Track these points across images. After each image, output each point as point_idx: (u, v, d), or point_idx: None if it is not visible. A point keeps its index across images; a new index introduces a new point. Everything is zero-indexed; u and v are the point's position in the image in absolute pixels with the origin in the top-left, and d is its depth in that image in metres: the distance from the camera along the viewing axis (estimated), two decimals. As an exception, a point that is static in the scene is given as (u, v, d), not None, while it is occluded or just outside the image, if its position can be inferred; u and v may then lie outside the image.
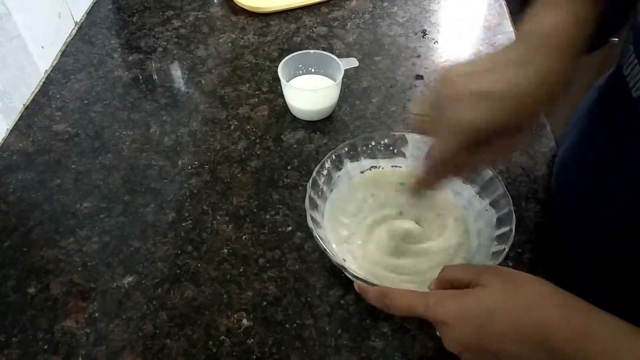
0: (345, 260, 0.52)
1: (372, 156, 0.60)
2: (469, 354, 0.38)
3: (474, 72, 0.39)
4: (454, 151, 0.41)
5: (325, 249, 0.49)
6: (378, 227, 0.56)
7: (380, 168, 0.61)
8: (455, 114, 0.39)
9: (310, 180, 0.55)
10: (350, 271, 0.47)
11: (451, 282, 0.41)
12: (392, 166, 0.61)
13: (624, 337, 0.34)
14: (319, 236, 0.50)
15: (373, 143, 0.60)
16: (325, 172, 0.57)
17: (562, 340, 0.34)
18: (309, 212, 0.52)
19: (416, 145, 0.59)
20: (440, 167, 0.43)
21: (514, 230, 0.49)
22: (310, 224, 0.51)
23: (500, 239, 0.50)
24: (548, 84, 0.39)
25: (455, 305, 0.38)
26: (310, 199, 0.53)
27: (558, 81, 0.39)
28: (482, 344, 0.37)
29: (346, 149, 0.59)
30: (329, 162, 0.57)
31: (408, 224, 0.56)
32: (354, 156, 0.59)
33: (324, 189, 0.57)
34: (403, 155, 0.60)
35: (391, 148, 0.60)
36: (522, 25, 0.40)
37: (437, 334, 0.40)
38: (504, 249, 0.48)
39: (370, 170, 0.60)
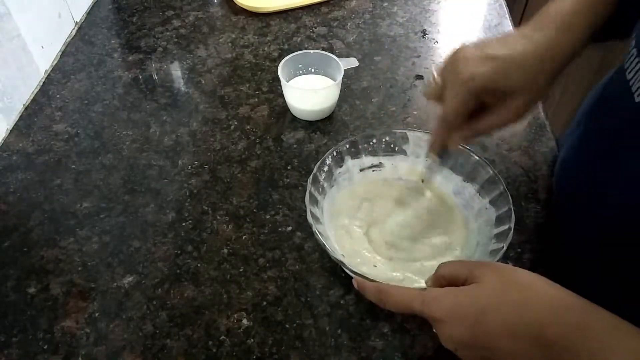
0: (344, 256, 0.52)
1: (374, 153, 0.60)
2: (465, 350, 0.38)
3: (484, 42, 0.45)
4: (460, 106, 0.44)
5: (324, 245, 0.49)
6: (375, 224, 0.56)
7: (382, 166, 0.61)
8: (462, 70, 0.43)
9: (311, 176, 0.55)
10: (349, 267, 0.48)
11: (447, 278, 0.42)
12: (393, 164, 0.61)
13: (619, 333, 0.34)
14: (319, 232, 0.50)
15: (374, 140, 0.60)
16: (326, 168, 0.57)
17: (556, 337, 0.34)
18: (309, 207, 0.52)
19: (417, 143, 0.59)
20: (449, 123, 0.46)
21: (512, 229, 0.49)
22: (310, 219, 0.51)
23: (499, 237, 0.51)
24: (551, 53, 0.42)
25: (450, 302, 0.38)
26: (311, 194, 0.53)
27: (561, 53, 0.42)
28: (476, 341, 0.37)
29: (347, 145, 0.59)
30: (330, 159, 0.58)
31: (407, 221, 0.57)
32: (355, 153, 0.59)
33: (325, 185, 0.57)
34: (404, 152, 0.60)
35: (392, 145, 0.60)
36: (542, 10, 0.44)
37: (434, 330, 0.40)
38: (502, 247, 0.48)
39: (371, 168, 0.60)
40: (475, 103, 0.44)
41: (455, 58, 0.44)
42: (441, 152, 0.52)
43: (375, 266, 0.53)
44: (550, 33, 0.42)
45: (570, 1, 0.42)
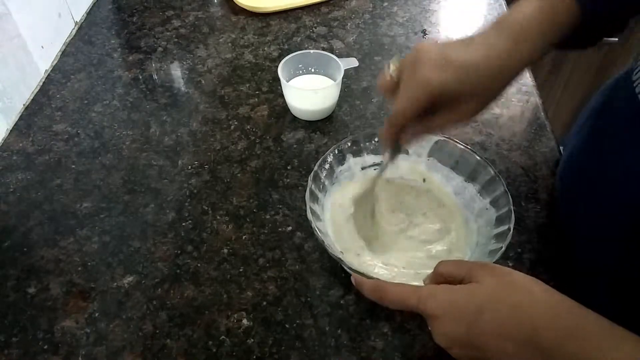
0: (342, 253, 0.52)
1: (375, 152, 0.60)
2: (458, 349, 0.38)
3: (447, 45, 0.45)
4: (414, 107, 0.45)
5: (323, 241, 0.49)
6: (376, 224, 0.56)
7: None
8: (420, 73, 0.44)
9: (312, 173, 0.55)
10: (348, 264, 0.48)
11: (445, 277, 0.42)
12: (394, 163, 0.61)
13: (613, 339, 0.34)
14: (318, 229, 0.50)
15: (376, 139, 0.60)
16: (327, 166, 0.57)
17: (549, 341, 0.34)
18: (309, 204, 0.52)
19: (418, 142, 0.59)
20: (401, 120, 0.47)
21: (512, 229, 0.49)
22: (309, 216, 0.51)
23: (499, 237, 0.51)
24: (509, 62, 0.43)
25: (446, 300, 0.38)
26: (311, 192, 0.53)
27: (519, 61, 0.43)
28: (470, 340, 0.37)
29: (349, 144, 0.59)
30: (332, 157, 0.58)
31: (408, 220, 0.57)
32: (357, 151, 0.59)
33: (326, 182, 0.57)
34: (405, 152, 0.60)
35: None
36: (503, 14, 0.45)
37: (429, 327, 0.40)
38: (502, 247, 0.48)
39: (372, 167, 0.60)
40: (428, 104, 0.45)
41: (415, 58, 0.44)
42: (394, 148, 0.51)
43: (372, 264, 0.53)
44: (508, 42, 0.42)
45: (532, 8, 0.42)
